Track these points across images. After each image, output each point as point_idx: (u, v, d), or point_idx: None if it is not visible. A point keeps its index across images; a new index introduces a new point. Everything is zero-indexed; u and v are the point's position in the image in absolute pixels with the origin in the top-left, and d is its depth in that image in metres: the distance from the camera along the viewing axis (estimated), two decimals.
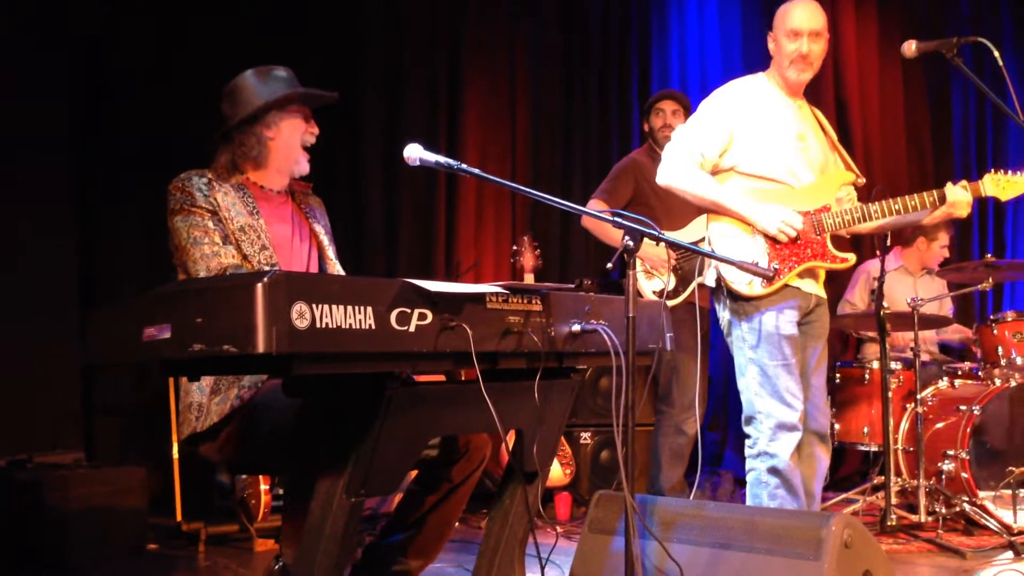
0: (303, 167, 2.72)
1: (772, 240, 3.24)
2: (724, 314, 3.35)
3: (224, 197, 2.54)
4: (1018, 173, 3.32)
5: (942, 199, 3.26)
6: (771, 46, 3.39)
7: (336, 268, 2.79)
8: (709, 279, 3.37)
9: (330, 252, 2.79)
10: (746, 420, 3.31)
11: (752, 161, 3.29)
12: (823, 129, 3.47)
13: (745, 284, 3.23)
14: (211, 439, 2.42)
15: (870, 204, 3.31)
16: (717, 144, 3.29)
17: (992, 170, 3.33)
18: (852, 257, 3.32)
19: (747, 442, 3.31)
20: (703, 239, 3.45)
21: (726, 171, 3.33)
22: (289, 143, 2.67)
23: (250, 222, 2.55)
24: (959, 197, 3.25)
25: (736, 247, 3.25)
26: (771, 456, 3.21)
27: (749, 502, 3.27)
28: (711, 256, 3.26)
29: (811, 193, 3.31)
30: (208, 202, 2.50)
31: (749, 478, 3.30)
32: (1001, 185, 3.29)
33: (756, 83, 3.40)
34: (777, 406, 3.21)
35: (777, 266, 3.23)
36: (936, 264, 5.50)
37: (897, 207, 3.28)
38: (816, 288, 3.35)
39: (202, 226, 2.47)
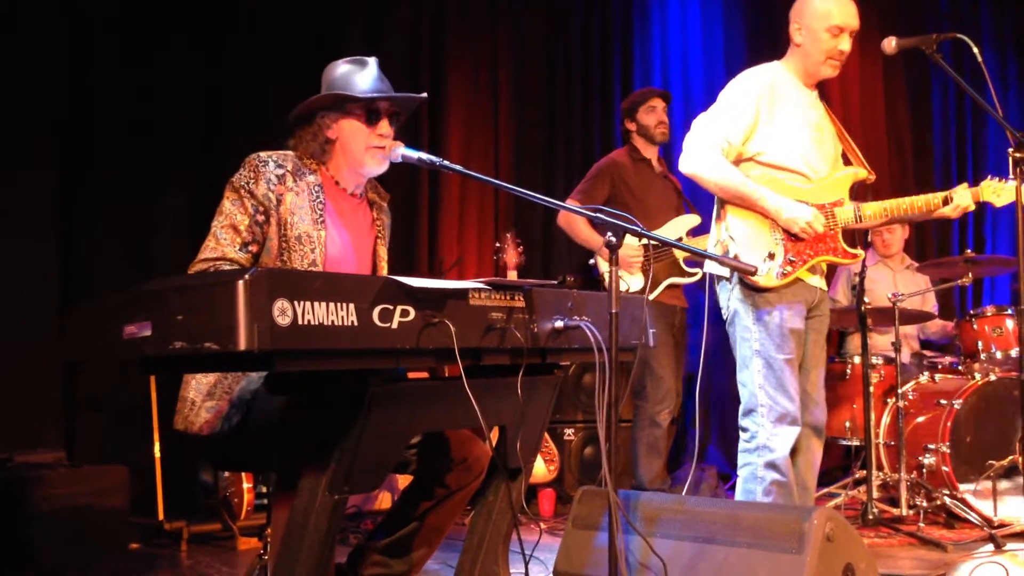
0: (371, 169, 2.52)
1: (789, 234, 3.22)
2: (730, 304, 3.30)
3: (294, 198, 2.39)
4: (1007, 180, 3.34)
5: (947, 201, 3.28)
6: (798, 37, 3.30)
7: None
8: (717, 267, 3.32)
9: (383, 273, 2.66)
10: (745, 412, 3.24)
11: (772, 150, 3.25)
12: (833, 122, 3.44)
13: (760, 275, 3.18)
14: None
15: (883, 202, 3.31)
16: (741, 130, 3.22)
17: (989, 176, 3.37)
18: (861, 253, 3.35)
19: (743, 436, 3.25)
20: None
21: (747, 160, 3.28)
22: (349, 144, 2.49)
23: (310, 232, 2.41)
24: (966, 201, 3.28)
25: (753, 237, 3.22)
26: (770, 450, 3.16)
27: (741, 497, 3.21)
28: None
29: (827, 187, 3.30)
30: (267, 197, 2.36)
31: (743, 473, 3.23)
32: (996, 191, 3.34)
33: (777, 71, 3.33)
34: (781, 399, 3.18)
35: (794, 259, 3.20)
36: (898, 250, 5.60)
37: (906, 206, 3.29)
38: (820, 281, 3.35)
39: (236, 223, 2.34)
